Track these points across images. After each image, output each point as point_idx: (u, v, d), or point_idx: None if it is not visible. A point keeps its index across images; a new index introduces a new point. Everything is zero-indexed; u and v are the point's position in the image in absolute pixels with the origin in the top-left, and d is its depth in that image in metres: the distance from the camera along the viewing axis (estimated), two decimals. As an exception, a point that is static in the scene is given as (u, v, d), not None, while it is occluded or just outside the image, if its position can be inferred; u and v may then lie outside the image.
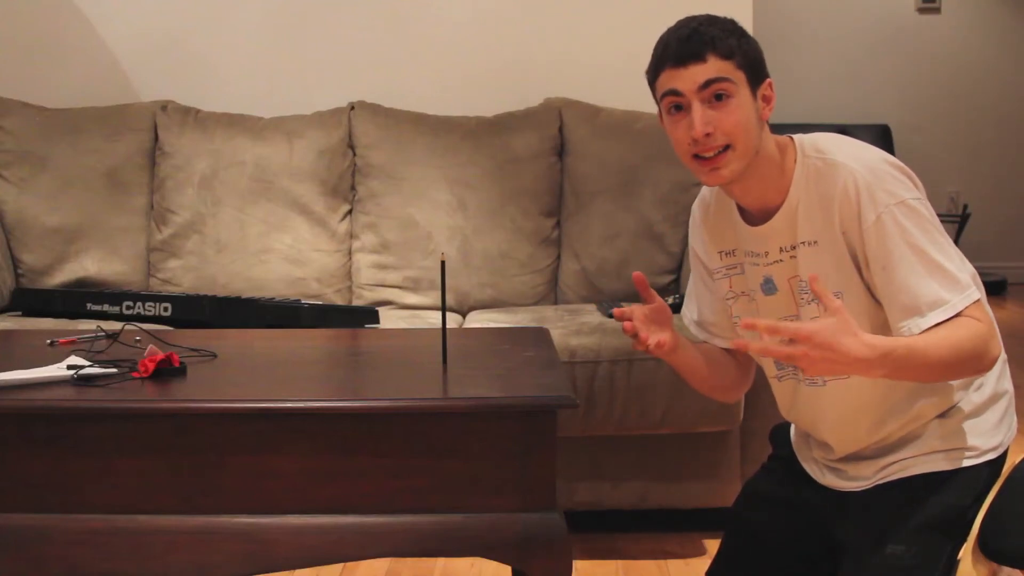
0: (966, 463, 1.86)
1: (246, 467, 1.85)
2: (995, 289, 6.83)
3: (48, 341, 2.29)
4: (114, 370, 1.99)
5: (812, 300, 1.84)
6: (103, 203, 3.55)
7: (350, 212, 3.58)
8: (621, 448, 2.99)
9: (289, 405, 1.84)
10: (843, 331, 1.64)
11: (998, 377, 1.91)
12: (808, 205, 1.83)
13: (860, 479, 1.92)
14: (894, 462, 1.88)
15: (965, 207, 6.74)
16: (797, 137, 1.88)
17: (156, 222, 3.56)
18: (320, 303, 3.26)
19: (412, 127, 3.62)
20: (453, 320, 3.35)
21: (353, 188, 3.59)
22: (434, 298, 3.47)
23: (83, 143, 3.59)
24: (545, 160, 3.58)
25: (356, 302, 3.51)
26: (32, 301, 3.31)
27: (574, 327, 3.00)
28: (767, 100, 1.85)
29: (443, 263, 2.06)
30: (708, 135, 1.81)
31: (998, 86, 7.18)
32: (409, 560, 2.86)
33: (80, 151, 3.58)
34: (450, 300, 3.47)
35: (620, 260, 3.45)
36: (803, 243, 1.84)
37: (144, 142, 3.62)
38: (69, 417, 1.86)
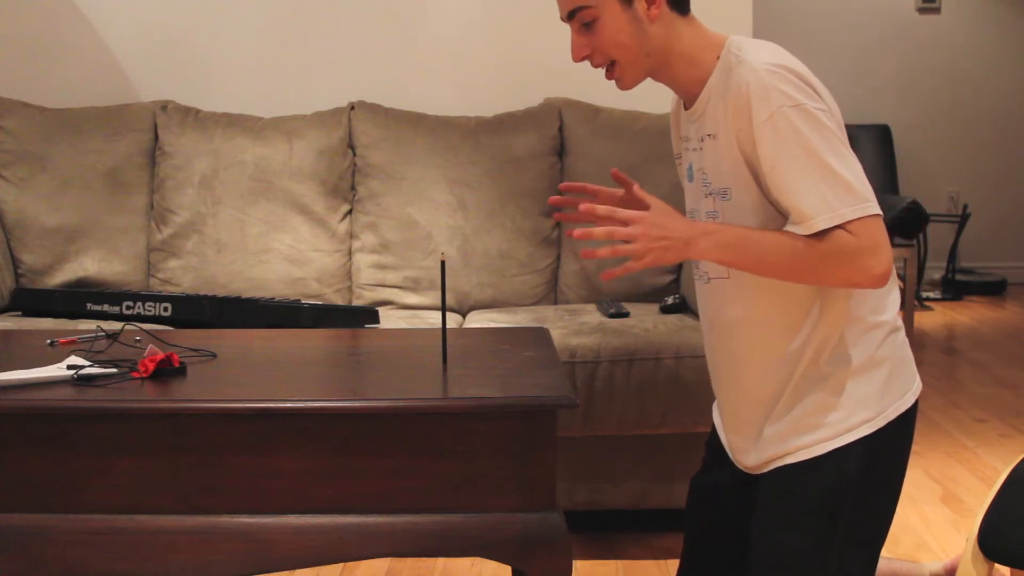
0: (841, 441, 1.84)
1: (246, 467, 1.85)
2: (995, 289, 6.83)
3: (48, 341, 2.29)
4: (114, 370, 1.99)
5: (710, 193, 1.89)
6: (103, 203, 3.55)
7: (350, 212, 3.58)
8: (621, 448, 2.99)
9: (289, 405, 1.84)
10: (666, 212, 1.78)
11: (876, 346, 1.88)
12: (715, 99, 1.86)
13: (750, 460, 1.94)
14: (776, 451, 1.89)
15: (965, 207, 6.74)
16: (732, 37, 1.92)
17: (156, 222, 3.57)
18: (320, 303, 3.26)
19: (412, 127, 3.62)
20: (453, 320, 3.35)
21: (353, 188, 3.60)
22: (434, 298, 3.47)
23: (83, 143, 3.59)
24: (545, 160, 3.58)
25: (356, 302, 3.51)
26: (32, 301, 3.31)
27: (574, 327, 3.00)
28: (650, 2, 1.88)
29: (443, 263, 2.06)
30: (587, 57, 1.93)
31: (998, 86, 7.18)
32: (409, 560, 2.86)
33: (80, 151, 3.58)
34: (450, 300, 3.47)
35: (620, 260, 3.45)
36: (708, 135, 1.88)
37: (144, 142, 3.62)
38: (69, 417, 1.86)
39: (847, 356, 1.85)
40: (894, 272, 1.91)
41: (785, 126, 1.76)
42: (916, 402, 1.91)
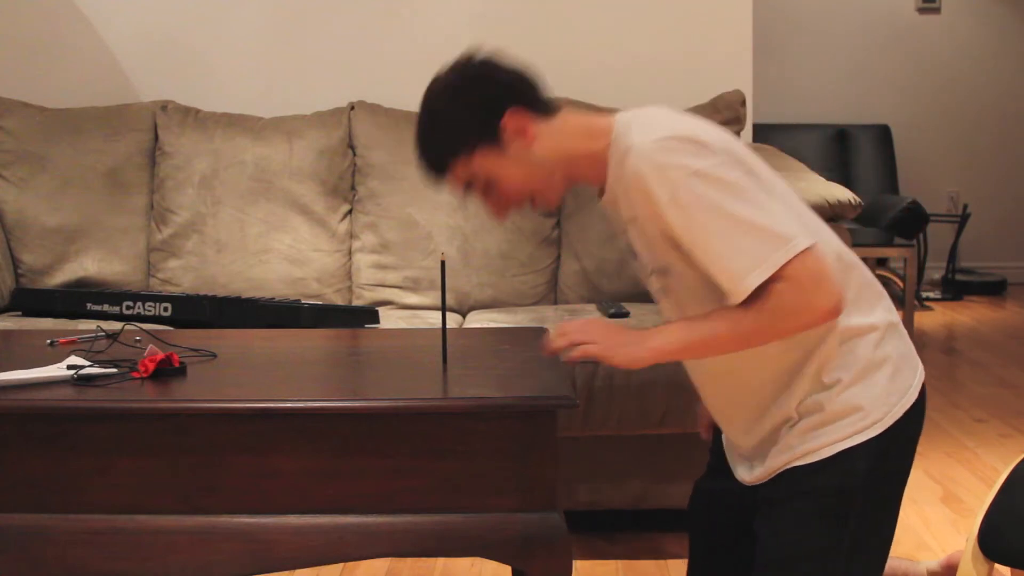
0: (851, 443, 1.83)
1: (246, 467, 1.85)
2: (995, 289, 6.83)
3: (48, 341, 2.29)
4: (114, 370, 1.99)
5: (652, 271, 1.89)
6: (103, 203, 3.55)
7: (350, 212, 3.58)
8: (621, 448, 2.99)
9: (289, 405, 1.84)
10: (612, 347, 1.80)
11: (874, 348, 1.86)
12: (618, 189, 1.85)
13: (755, 474, 1.93)
14: (783, 460, 1.88)
15: (965, 207, 6.74)
16: (617, 116, 1.89)
17: (156, 222, 3.57)
18: (320, 303, 3.26)
19: (412, 127, 3.60)
20: (453, 320, 3.35)
21: (353, 188, 3.60)
22: (434, 298, 3.47)
23: (83, 143, 3.59)
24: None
25: (356, 302, 3.51)
26: (32, 301, 3.31)
27: (574, 327, 3.00)
28: (520, 130, 1.86)
29: (443, 263, 2.06)
30: (508, 209, 1.94)
31: (998, 86, 7.18)
32: (409, 560, 2.86)
33: (80, 151, 3.58)
34: (450, 300, 3.47)
35: (620, 260, 3.44)
36: (630, 219, 1.87)
37: (144, 142, 3.62)
38: (69, 417, 1.86)
39: (847, 365, 1.84)
40: (870, 279, 1.89)
41: (688, 199, 1.72)
42: (923, 389, 1.90)
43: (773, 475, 1.88)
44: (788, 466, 1.86)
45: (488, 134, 1.87)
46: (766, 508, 1.89)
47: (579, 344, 1.80)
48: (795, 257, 1.69)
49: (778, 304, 1.71)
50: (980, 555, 1.86)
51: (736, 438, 1.98)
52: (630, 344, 1.80)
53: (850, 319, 1.84)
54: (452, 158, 1.91)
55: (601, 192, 1.91)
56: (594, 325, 1.83)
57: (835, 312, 1.74)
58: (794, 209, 1.83)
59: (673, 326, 1.82)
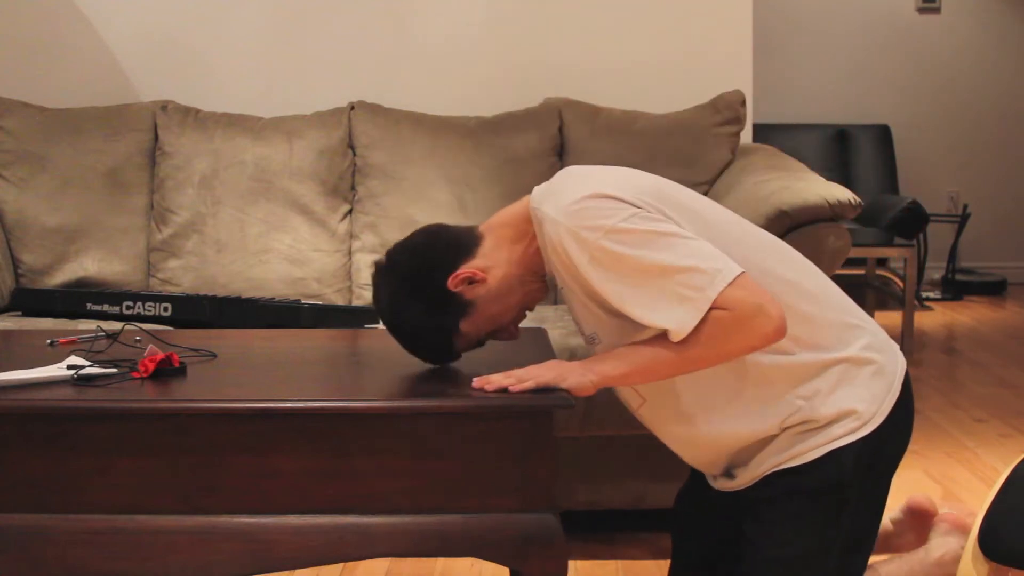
0: (841, 443, 1.84)
1: (246, 467, 1.85)
2: (995, 289, 6.83)
3: (48, 341, 2.29)
4: (114, 370, 1.99)
5: (589, 341, 1.95)
6: (103, 203, 3.55)
7: (350, 212, 3.58)
8: (621, 448, 2.99)
9: (289, 405, 1.84)
10: (558, 375, 1.82)
11: (861, 347, 1.86)
12: (548, 256, 1.90)
13: (738, 478, 1.94)
14: (768, 460, 1.88)
15: (965, 207, 6.74)
16: (532, 192, 1.94)
17: (156, 222, 3.57)
18: (320, 303, 3.26)
19: (412, 127, 3.62)
20: (453, 320, 3.35)
21: (353, 188, 3.60)
22: (434, 298, 3.47)
23: (83, 143, 3.59)
24: (545, 160, 3.58)
25: (356, 302, 3.51)
26: (32, 301, 3.31)
27: (574, 327, 3.00)
28: (469, 281, 1.93)
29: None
30: (517, 328, 2.02)
31: (998, 86, 7.18)
32: (409, 560, 2.86)
33: (80, 151, 3.58)
34: (450, 300, 3.47)
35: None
36: (562, 287, 1.92)
37: (144, 142, 3.62)
38: (69, 417, 1.86)
39: (823, 379, 1.85)
40: (843, 309, 1.88)
41: (608, 258, 1.75)
42: (907, 378, 1.90)
43: (760, 478, 1.89)
44: (777, 468, 1.87)
45: (453, 308, 1.93)
46: (756, 509, 1.89)
47: (526, 381, 1.83)
48: (727, 287, 1.71)
49: (719, 331, 1.73)
50: (980, 555, 1.86)
51: (712, 471, 1.99)
52: (576, 371, 1.83)
53: (816, 355, 1.84)
54: (449, 349, 1.98)
55: (554, 285, 1.98)
56: (541, 364, 1.87)
57: (779, 332, 1.76)
58: (738, 241, 1.84)
59: (619, 351, 1.84)
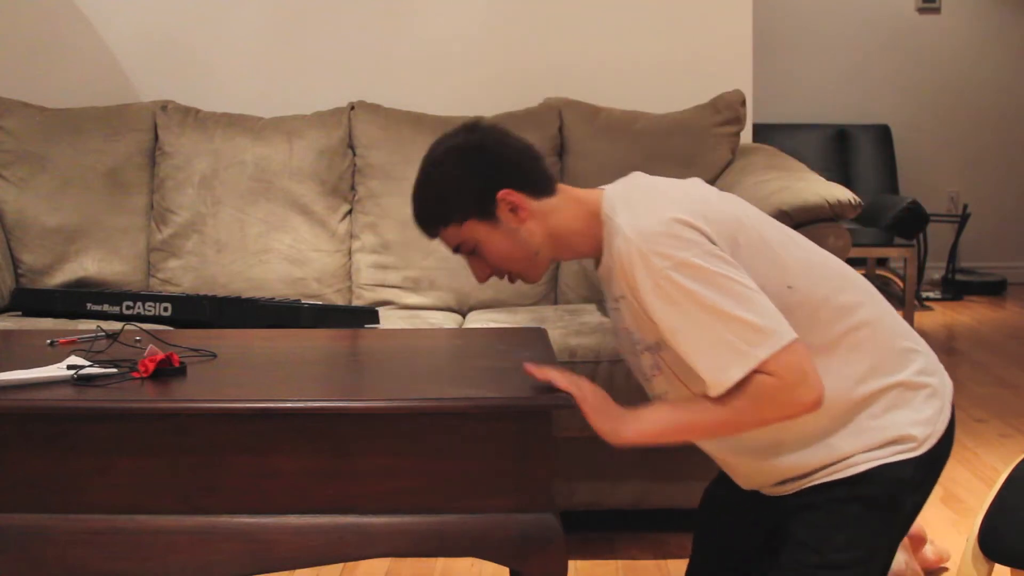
0: (891, 460, 1.83)
1: (246, 467, 1.85)
2: (995, 289, 6.83)
3: (48, 341, 2.29)
4: (114, 370, 1.99)
5: (645, 349, 1.88)
6: (103, 203, 3.55)
7: (350, 212, 3.58)
8: (621, 448, 2.98)
9: (289, 405, 1.84)
10: (599, 412, 1.80)
11: (916, 372, 1.86)
12: (611, 265, 1.87)
13: (785, 485, 1.92)
14: (817, 472, 1.86)
15: (965, 207, 6.74)
16: (606, 192, 1.92)
17: (156, 222, 3.57)
18: (320, 303, 3.26)
19: (412, 127, 3.62)
20: (453, 320, 3.35)
21: (353, 188, 3.60)
22: (434, 298, 3.47)
23: (83, 143, 3.59)
24: (545, 160, 3.57)
25: (356, 302, 3.51)
26: (32, 301, 3.31)
27: (574, 327, 3.00)
28: (513, 208, 1.90)
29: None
30: (491, 275, 1.97)
31: (998, 86, 7.18)
32: (409, 560, 2.86)
33: (80, 151, 3.58)
34: (450, 300, 3.47)
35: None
36: (620, 296, 1.88)
37: (144, 142, 3.62)
38: (69, 417, 1.86)
39: (880, 412, 1.84)
40: (899, 333, 1.87)
41: (672, 290, 1.73)
42: (952, 407, 1.90)
43: (808, 487, 1.87)
44: (830, 479, 1.85)
45: (482, 206, 1.91)
46: (804, 514, 1.87)
47: (568, 391, 1.81)
48: (778, 351, 1.70)
49: (759, 395, 1.72)
50: (980, 555, 1.86)
51: (763, 489, 1.97)
52: (615, 419, 1.82)
53: (876, 381, 1.83)
54: (443, 224, 1.95)
55: (597, 263, 1.95)
56: (592, 388, 1.84)
57: (815, 405, 1.75)
58: (805, 271, 1.83)
59: (657, 411, 1.83)
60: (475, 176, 1.91)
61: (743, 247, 1.80)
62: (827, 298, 1.84)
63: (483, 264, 1.97)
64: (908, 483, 1.84)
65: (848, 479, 1.83)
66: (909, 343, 1.89)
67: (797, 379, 1.71)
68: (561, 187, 1.96)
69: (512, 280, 1.98)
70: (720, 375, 1.73)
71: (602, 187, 1.94)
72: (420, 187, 2.00)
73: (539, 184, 1.93)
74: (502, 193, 1.90)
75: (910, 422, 1.84)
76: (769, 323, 1.72)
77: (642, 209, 1.82)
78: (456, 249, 1.97)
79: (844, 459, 1.84)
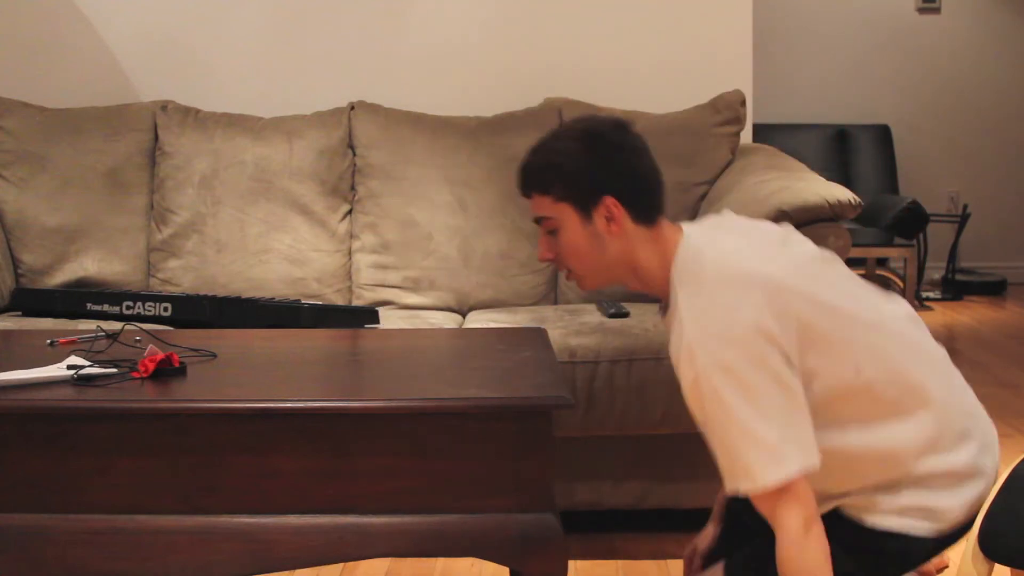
0: (906, 531, 1.81)
1: (246, 467, 1.85)
2: (995, 289, 6.83)
3: (48, 341, 2.29)
4: (114, 370, 1.99)
5: None
6: (103, 203, 3.55)
7: (350, 212, 3.58)
8: (621, 448, 2.99)
9: (289, 405, 1.84)
10: None
11: (970, 458, 1.85)
12: (672, 328, 1.84)
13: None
14: (836, 495, 1.86)
15: (965, 207, 6.74)
16: (681, 244, 1.87)
17: (156, 222, 3.57)
18: (320, 303, 3.26)
19: (412, 127, 3.62)
20: (453, 320, 3.35)
21: (353, 188, 3.60)
22: (434, 298, 3.47)
23: (83, 143, 3.59)
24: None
25: (356, 302, 3.51)
26: (32, 301, 3.31)
27: (574, 327, 3.00)
28: (610, 218, 1.87)
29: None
30: (551, 260, 1.94)
31: (998, 86, 7.18)
32: (409, 560, 2.86)
33: (80, 151, 3.58)
34: (450, 300, 3.47)
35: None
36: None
37: (144, 142, 3.62)
38: (69, 417, 1.86)
39: (923, 489, 1.83)
40: (961, 411, 1.86)
41: (708, 390, 1.72)
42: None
43: (824, 510, 1.85)
44: (844, 511, 1.84)
45: (585, 198, 1.88)
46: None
47: None
48: (781, 480, 1.71)
49: (764, 511, 1.76)
50: (980, 555, 1.85)
51: None
52: None
53: (928, 462, 1.81)
54: (541, 191, 1.91)
55: (663, 307, 1.93)
56: None
57: (805, 530, 1.74)
58: (873, 343, 1.80)
59: None
60: (596, 168, 1.87)
61: (813, 331, 1.77)
62: (894, 379, 1.81)
63: (553, 247, 1.93)
64: (910, 560, 1.83)
65: (861, 526, 1.83)
66: (969, 423, 1.87)
67: (788, 508, 1.72)
68: (661, 222, 1.92)
69: (568, 277, 1.96)
70: (729, 482, 1.76)
71: (683, 228, 1.90)
72: (542, 146, 1.94)
73: (645, 211, 1.89)
74: (610, 200, 1.86)
75: (947, 505, 1.83)
76: (785, 450, 1.71)
77: (706, 295, 1.77)
78: (538, 220, 1.94)
79: (870, 506, 1.83)
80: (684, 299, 1.79)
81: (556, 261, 1.94)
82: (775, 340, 1.73)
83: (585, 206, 1.87)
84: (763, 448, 1.71)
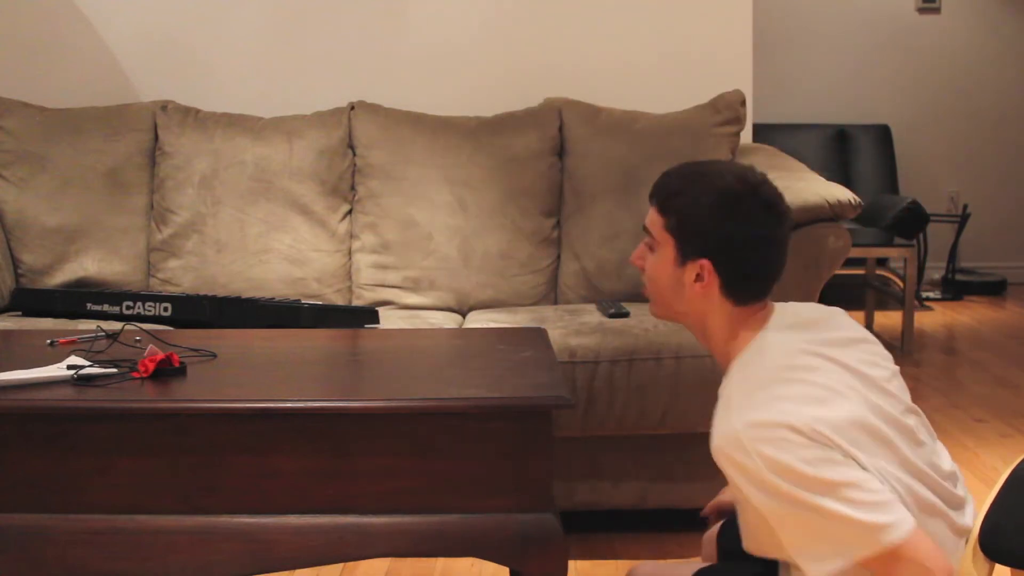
0: None
1: (246, 467, 1.85)
2: (995, 289, 6.83)
3: (48, 341, 2.29)
4: (114, 370, 1.99)
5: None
6: (103, 203, 3.55)
7: (350, 212, 3.58)
8: (621, 448, 2.99)
9: (289, 405, 1.84)
10: None
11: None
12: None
13: None
14: None
15: (965, 207, 6.74)
16: (762, 334, 1.80)
17: (156, 222, 3.57)
18: (320, 303, 3.26)
19: (412, 127, 3.62)
20: (453, 320, 3.35)
21: (353, 188, 3.60)
22: (434, 298, 3.47)
23: (83, 143, 3.59)
24: (545, 160, 3.58)
25: (356, 302, 3.51)
26: (32, 301, 3.31)
27: (574, 327, 3.00)
28: (699, 278, 1.80)
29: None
30: (639, 268, 1.89)
31: (998, 86, 7.18)
32: (409, 560, 2.86)
33: (80, 151, 3.58)
34: (450, 300, 3.47)
35: (620, 260, 3.44)
36: None
37: (144, 142, 3.62)
38: (69, 417, 1.86)
39: None
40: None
41: (771, 489, 1.65)
42: None
43: None
44: None
45: (687, 246, 1.81)
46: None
47: None
48: (897, 543, 1.63)
49: None
50: (980, 555, 1.85)
51: None
52: None
53: None
54: (660, 210, 1.85)
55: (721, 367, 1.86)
56: None
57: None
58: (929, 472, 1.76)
59: None
60: (712, 231, 1.79)
61: (864, 444, 1.71)
62: (936, 505, 1.79)
63: (644, 260, 1.88)
64: None
65: None
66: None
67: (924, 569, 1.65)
68: (752, 306, 1.83)
69: (644, 292, 1.91)
70: (816, 567, 1.66)
71: (769, 322, 1.82)
72: (690, 172, 1.86)
73: (740, 292, 1.81)
74: (707, 264, 1.79)
75: None
76: (879, 517, 1.64)
77: (761, 398, 1.70)
78: (645, 229, 1.88)
79: None
80: (743, 391, 1.72)
81: (641, 272, 1.90)
82: (832, 441, 1.67)
83: (684, 253, 1.81)
84: (854, 526, 1.63)
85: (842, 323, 1.89)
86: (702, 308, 1.83)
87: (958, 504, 1.86)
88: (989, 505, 1.87)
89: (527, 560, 1.84)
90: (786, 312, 1.87)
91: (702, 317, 1.84)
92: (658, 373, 2.87)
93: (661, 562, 2.82)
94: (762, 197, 1.81)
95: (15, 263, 3.53)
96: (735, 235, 1.79)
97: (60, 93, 3.80)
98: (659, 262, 1.85)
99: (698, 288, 1.81)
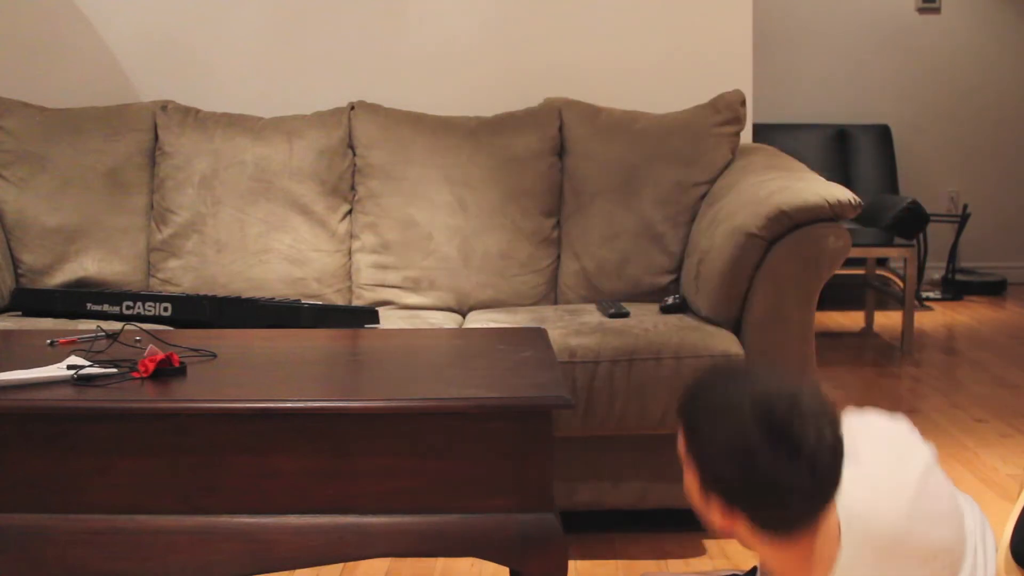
0: None
1: (246, 467, 1.85)
2: (995, 289, 6.83)
3: (48, 341, 2.29)
4: (114, 370, 1.99)
5: None
6: (103, 203, 3.55)
7: (350, 212, 3.58)
8: (621, 448, 2.99)
9: (289, 405, 1.84)
10: None
11: None
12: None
13: None
14: None
15: (965, 207, 6.74)
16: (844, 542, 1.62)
17: (156, 222, 3.57)
18: (320, 303, 3.26)
19: (412, 127, 3.62)
20: (453, 320, 3.35)
21: (353, 188, 3.60)
22: (434, 298, 3.47)
23: (83, 143, 3.59)
24: (545, 160, 3.58)
25: (356, 302, 3.51)
26: (32, 301, 3.31)
27: (574, 327, 3.00)
28: (724, 516, 1.61)
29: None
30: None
31: (998, 86, 7.18)
32: (409, 560, 2.86)
33: (80, 151, 3.58)
34: (450, 300, 3.47)
35: (620, 260, 3.45)
36: None
37: (144, 142, 3.62)
38: (69, 417, 1.86)
39: None
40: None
41: None
42: None
43: None
44: None
45: (704, 483, 1.61)
46: None
47: None
48: None
49: None
50: (1013, 564, 1.84)
51: None
52: None
53: None
54: (683, 435, 1.64)
55: None
56: None
57: None
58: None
59: None
60: (726, 473, 1.57)
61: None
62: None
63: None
64: None
65: None
66: None
67: None
68: (802, 531, 1.61)
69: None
70: None
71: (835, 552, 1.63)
72: (708, 402, 1.61)
73: (776, 527, 1.60)
74: (727, 507, 1.59)
75: None
76: None
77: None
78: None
79: None
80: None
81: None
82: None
83: (705, 487, 1.61)
84: None
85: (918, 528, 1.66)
86: (743, 541, 1.64)
87: None
88: (1020, 511, 1.86)
89: (527, 560, 1.84)
90: (852, 527, 1.63)
91: (748, 544, 1.64)
92: (658, 373, 2.87)
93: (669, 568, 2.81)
94: (787, 442, 1.54)
95: (15, 263, 3.53)
96: (750, 486, 1.56)
97: (60, 93, 3.80)
98: (689, 484, 1.64)
99: (726, 524, 1.62)
